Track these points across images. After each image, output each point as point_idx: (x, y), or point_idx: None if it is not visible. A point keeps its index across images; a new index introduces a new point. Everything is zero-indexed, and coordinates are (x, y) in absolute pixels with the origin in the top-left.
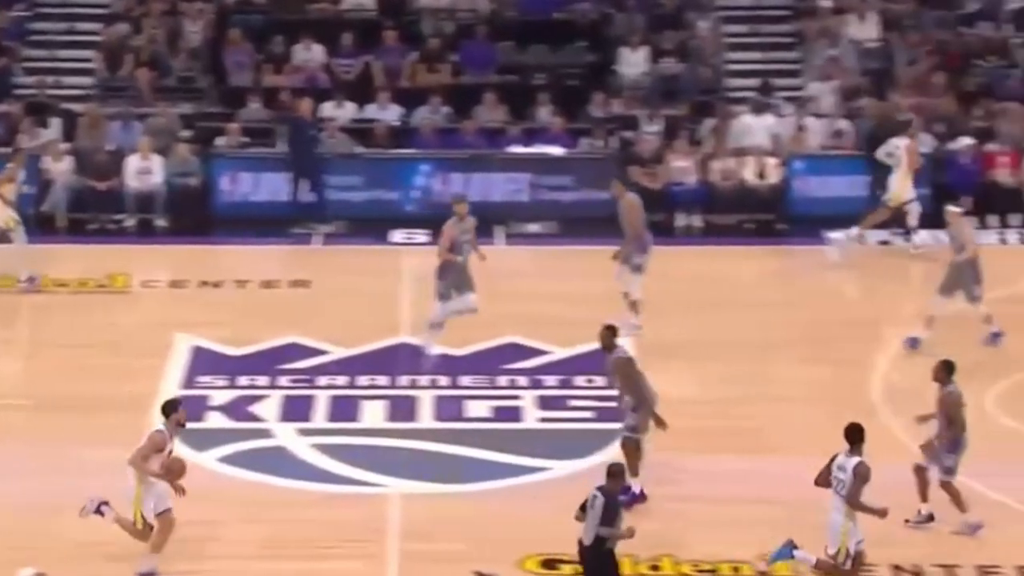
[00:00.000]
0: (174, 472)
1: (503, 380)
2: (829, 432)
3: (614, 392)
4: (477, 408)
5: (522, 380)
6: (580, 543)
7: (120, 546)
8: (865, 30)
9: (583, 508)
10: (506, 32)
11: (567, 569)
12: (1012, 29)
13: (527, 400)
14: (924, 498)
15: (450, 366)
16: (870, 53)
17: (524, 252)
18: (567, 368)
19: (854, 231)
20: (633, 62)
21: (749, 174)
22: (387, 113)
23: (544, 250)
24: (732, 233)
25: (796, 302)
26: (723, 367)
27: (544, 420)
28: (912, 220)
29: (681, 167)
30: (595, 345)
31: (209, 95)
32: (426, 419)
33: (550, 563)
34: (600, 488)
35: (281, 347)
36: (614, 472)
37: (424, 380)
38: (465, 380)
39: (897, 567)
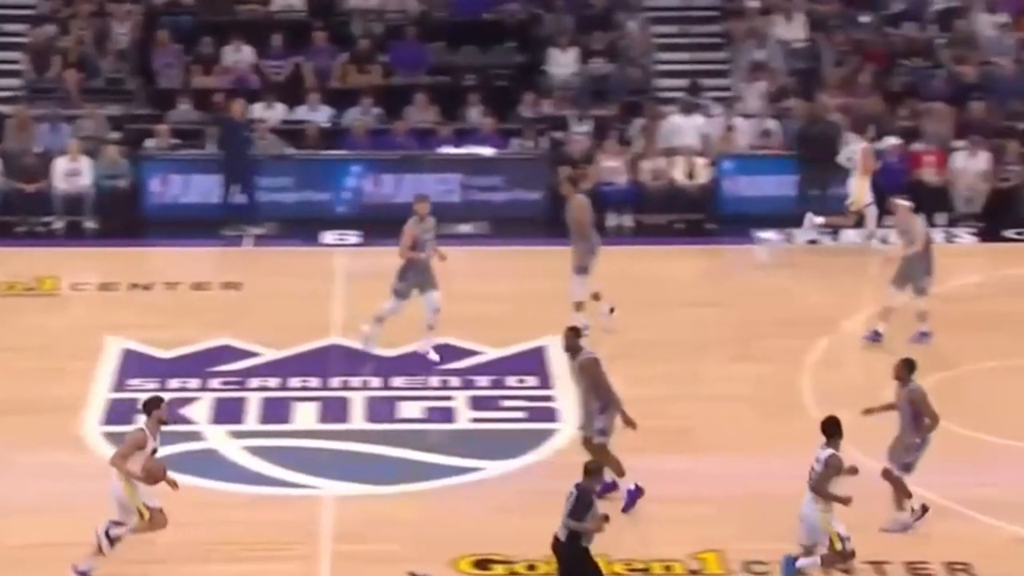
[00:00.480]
0: (154, 474)
1: (435, 381)
2: (760, 431)
3: (574, 395)
4: (409, 409)
5: (454, 381)
6: (556, 538)
7: (57, 549)
8: (792, 30)
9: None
10: (436, 33)
11: (500, 569)
12: (936, 30)
13: (459, 401)
14: (907, 495)
15: (382, 367)
16: (797, 53)
17: (455, 253)
18: (499, 368)
19: (819, 219)
20: (563, 62)
21: (679, 174)
22: (317, 114)
23: (475, 250)
24: (662, 233)
25: (727, 301)
26: (654, 367)
27: (476, 420)
28: (870, 223)
29: (611, 167)
30: (527, 345)
31: (138, 97)
32: (358, 420)
33: (483, 563)
34: (577, 484)
35: (212, 349)
36: (591, 469)
37: (356, 381)
38: (397, 381)
39: None
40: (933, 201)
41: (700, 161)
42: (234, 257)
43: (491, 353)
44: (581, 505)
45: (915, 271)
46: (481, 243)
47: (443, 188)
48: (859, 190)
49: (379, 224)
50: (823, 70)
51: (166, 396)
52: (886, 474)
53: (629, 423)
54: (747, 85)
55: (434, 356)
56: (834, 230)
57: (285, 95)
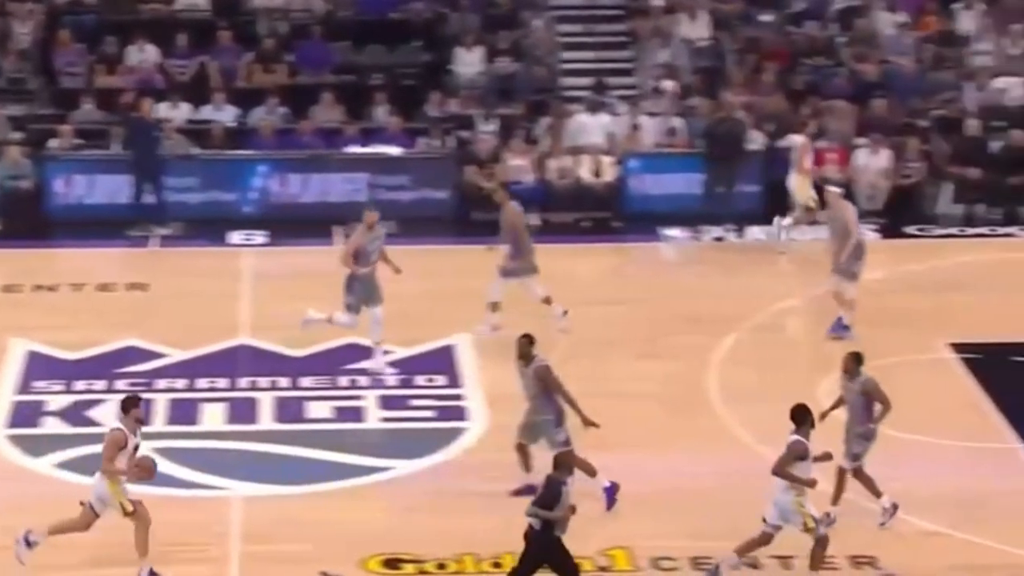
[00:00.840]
0: (145, 469)
1: (344, 380)
2: (668, 428)
3: (526, 403)
4: (318, 409)
5: (363, 380)
6: (529, 527)
7: None
8: (696, 29)
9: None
10: (342, 32)
11: (410, 568)
12: (837, 29)
13: (368, 400)
14: (876, 494)
15: (291, 367)
16: (701, 52)
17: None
18: (408, 367)
19: (786, 220)
20: (468, 61)
21: (585, 172)
22: (223, 114)
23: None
24: (569, 231)
25: (633, 299)
26: (562, 365)
27: (386, 420)
28: (785, 221)
29: (518, 166)
30: (435, 344)
31: (40, 97)
32: (267, 421)
33: (392, 563)
34: (548, 475)
35: (119, 350)
36: (560, 462)
37: (264, 382)
38: (306, 381)
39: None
40: None
41: (606, 159)
42: (140, 258)
43: (400, 352)
44: (549, 494)
45: (850, 257)
46: (388, 242)
47: (350, 188)
48: (801, 185)
49: (286, 224)
50: (727, 69)
51: (72, 398)
52: (855, 474)
53: (589, 423)
54: (652, 83)
55: (390, 370)
56: (738, 228)
57: (190, 95)
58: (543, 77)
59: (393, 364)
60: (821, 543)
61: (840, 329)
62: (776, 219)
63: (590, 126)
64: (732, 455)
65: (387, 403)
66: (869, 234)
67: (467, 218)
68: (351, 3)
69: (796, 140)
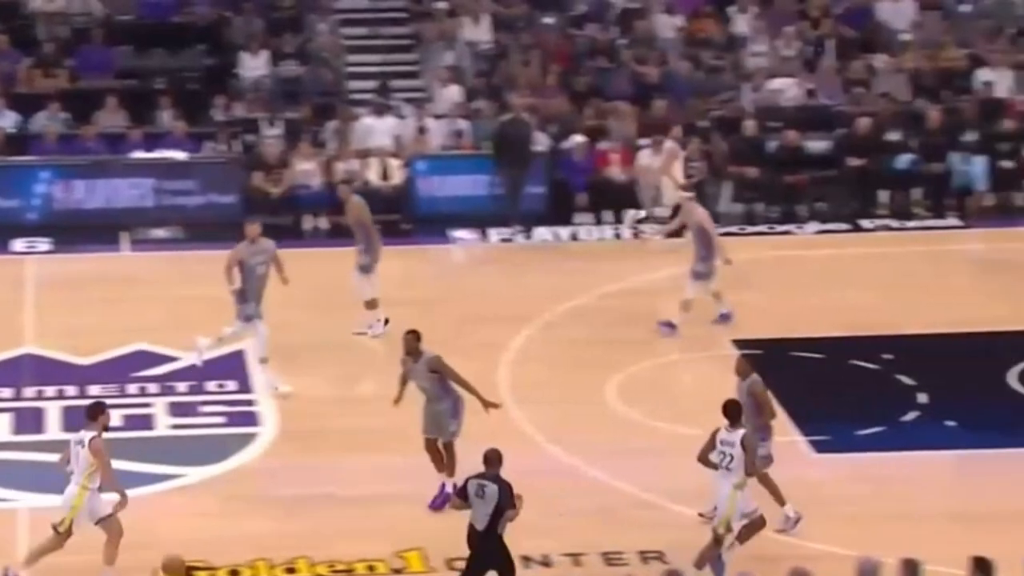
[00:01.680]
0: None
1: (133, 388)
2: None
3: (426, 395)
4: None
5: (152, 387)
6: (471, 529)
7: None
8: (480, 32)
9: (464, 497)
10: (123, 36)
11: (203, 575)
12: (618, 31)
13: (158, 407)
14: (781, 501)
15: (78, 375)
16: (485, 55)
17: (150, 258)
18: (197, 374)
19: (641, 212)
20: (253, 65)
21: (373, 175)
22: (3, 120)
23: (170, 255)
24: None
25: (424, 300)
26: (350, 367)
27: (176, 427)
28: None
29: (305, 170)
30: (225, 350)
31: None
32: (54, 430)
33: (186, 570)
34: (483, 476)
35: None
36: (491, 458)
37: (51, 391)
38: (94, 390)
39: (526, 558)
40: (621, 198)
41: (394, 162)
42: None
43: (189, 359)
44: (506, 493)
45: (702, 258)
46: (176, 248)
47: (136, 193)
48: (666, 187)
49: (70, 231)
50: (511, 71)
51: None
52: (761, 480)
53: (490, 404)
54: (438, 86)
55: (284, 388)
56: (525, 229)
57: None
58: (329, 80)
59: (183, 371)
60: (717, 543)
61: (724, 319)
62: (631, 214)
63: (377, 129)
64: (523, 454)
65: (177, 410)
66: (654, 234)
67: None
68: (132, 7)
69: (578, 139)
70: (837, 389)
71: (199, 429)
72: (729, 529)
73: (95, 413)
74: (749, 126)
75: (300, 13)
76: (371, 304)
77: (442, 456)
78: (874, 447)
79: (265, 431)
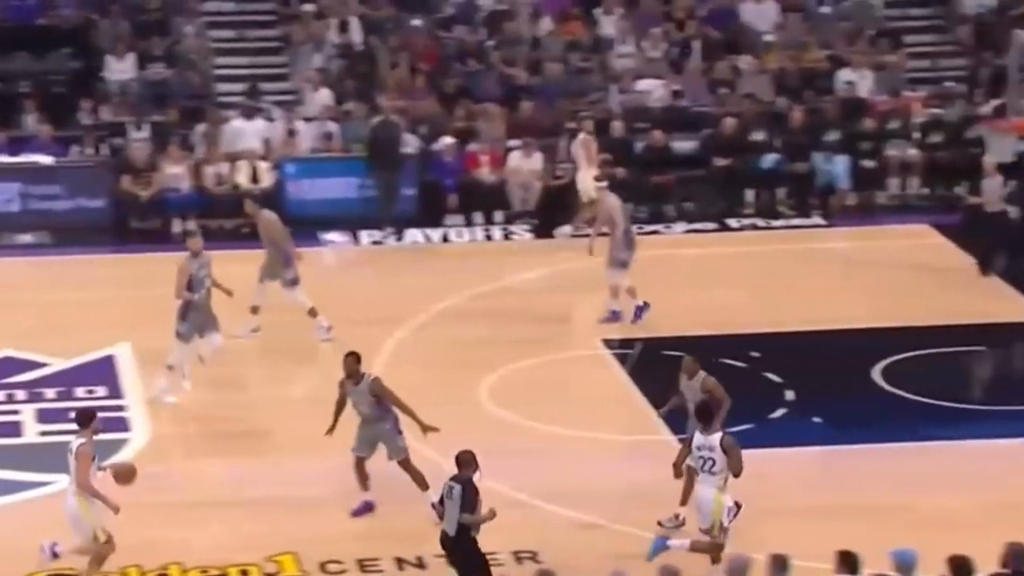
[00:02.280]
0: (126, 474)
1: (0, 395)
2: (336, 431)
3: (365, 416)
4: None
5: (20, 394)
6: (444, 534)
7: None
8: (348, 34)
9: (441, 500)
10: None
11: None
12: (486, 33)
13: (26, 414)
14: (683, 501)
15: None
16: (354, 57)
17: (16, 264)
18: (66, 380)
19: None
20: (120, 68)
21: (242, 178)
22: None
23: (36, 260)
24: (229, 237)
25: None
26: (223, 369)
27: (45, 434)
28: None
29: (174, 173)
30: (95, 355)
31: None
32: None
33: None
34: (454, 478)
35: None
36: (464, 460)
37: None
38: None
39: (400, 560)
40: (490, 199)
41: (263, 165)
42: None
43: (58, 364)
44: (469, 498)
45: (619, 247)
46: (43, 253)
47: (2, 198)
48: (585, 180)
49: None
50: (380, 73)
51: None
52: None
53: (428, 428)
54: (307, 88)
55: (171, 399)
56: (396, 231)
57: None
58: (196, 83)
59: (52, 377)
60: (717, 547)
61: (640, 313)
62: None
63: (246, 132)
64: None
65: (45, 416)
66: (522, 235)
67: (124, 226)
68: None
69: (448, 141)
70: None
71: (68, 436)
72: (723, 530)
73: (85, 420)
74: (617, 127)
75: (167, 16)
76: (312, 312)
77: (367, 475)
78: (743, 445)
79: (136, 437)
